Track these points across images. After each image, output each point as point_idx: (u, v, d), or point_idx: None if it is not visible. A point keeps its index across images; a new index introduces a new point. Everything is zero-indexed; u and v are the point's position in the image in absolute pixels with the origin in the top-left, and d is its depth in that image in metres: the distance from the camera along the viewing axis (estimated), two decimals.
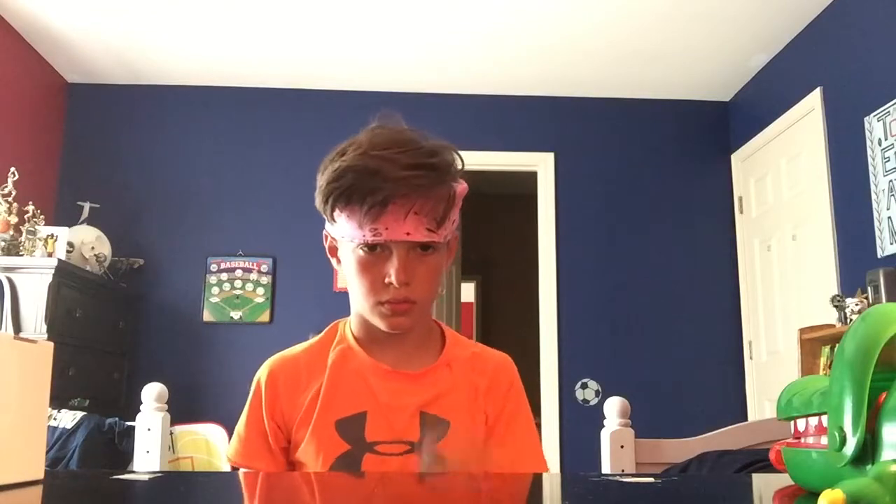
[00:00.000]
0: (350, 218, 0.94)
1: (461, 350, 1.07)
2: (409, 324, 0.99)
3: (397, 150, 0.94)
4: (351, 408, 0.99)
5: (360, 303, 1.00)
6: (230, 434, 1.08)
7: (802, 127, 3.63)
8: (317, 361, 1.04)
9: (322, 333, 1.09)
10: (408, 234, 0.93)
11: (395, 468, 0.96)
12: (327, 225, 1.03)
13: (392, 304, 0.96)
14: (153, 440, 1.45)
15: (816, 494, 0.42)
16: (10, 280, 3.20)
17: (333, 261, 1.06)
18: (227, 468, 3.14)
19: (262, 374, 1.04)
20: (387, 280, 0.95)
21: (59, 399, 3.07)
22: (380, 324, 0.99)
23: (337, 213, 0.96)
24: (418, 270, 0.96)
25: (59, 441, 2.68)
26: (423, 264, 0.97)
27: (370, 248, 0.95)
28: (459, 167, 0.99)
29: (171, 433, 3.11)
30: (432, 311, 1.09)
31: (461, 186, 0.99)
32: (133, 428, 1.46)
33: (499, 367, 1.08)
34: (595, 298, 4.24)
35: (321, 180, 0.97)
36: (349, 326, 1.07)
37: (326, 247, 1.06)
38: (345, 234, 0.96)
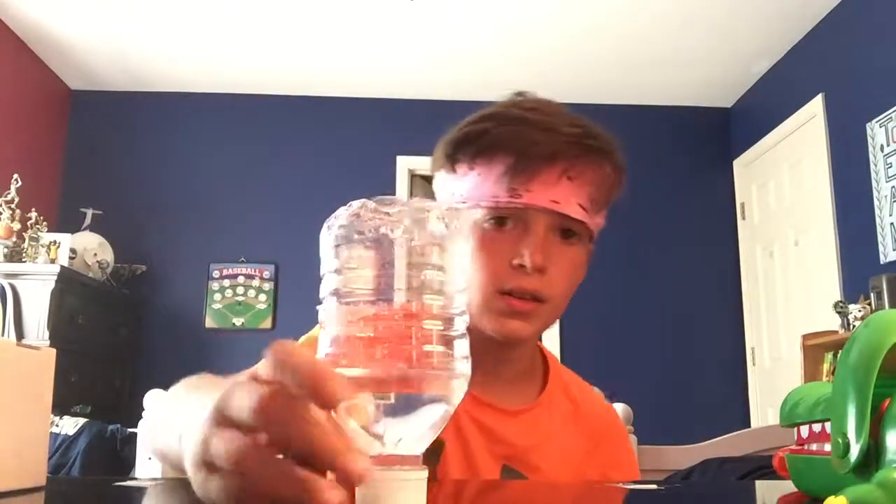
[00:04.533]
0: (485, 174, 0.75)
1: (563, 388, 0.88)
2: (528, 333, 0.77)
3: (554, 111, 0.78)
4: None
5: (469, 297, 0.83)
6: None
7: (804, 133, 3.63)
8: None
9: None
10: (555, 202, 0.74)
11: None
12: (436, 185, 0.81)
13: (515, 297, 0.74)
14: None
15: (820, 501, 0.42)
16: (12, 286, 3.20)
17: None
18: None
19: None
20: (516, 261, 0.73)
21: (61, 406, 3.06)
22: (490, 326, 0.75)
23: (465, 167, 0.77)
24: (557, 259, 0.75)
25: (61, 448, 2.68)
26: (562, 254, 0.76)
27: (498, 220, 0.75)
28: (622, 163, 0.82)
29: None
30: None
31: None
32: (135, 434, 1.46)
33: (605, 426, 0.91)
34: (597, 305, 4.22)
35: (447, 136, 0.79)
36: None
37: None
38: (470, 194, 0.76)
